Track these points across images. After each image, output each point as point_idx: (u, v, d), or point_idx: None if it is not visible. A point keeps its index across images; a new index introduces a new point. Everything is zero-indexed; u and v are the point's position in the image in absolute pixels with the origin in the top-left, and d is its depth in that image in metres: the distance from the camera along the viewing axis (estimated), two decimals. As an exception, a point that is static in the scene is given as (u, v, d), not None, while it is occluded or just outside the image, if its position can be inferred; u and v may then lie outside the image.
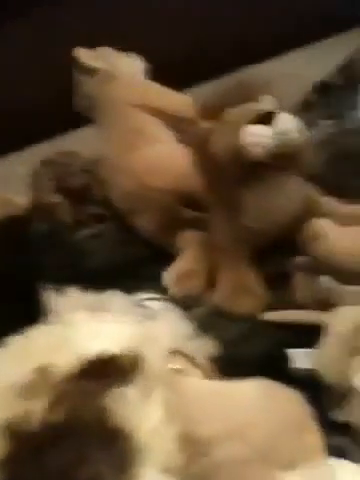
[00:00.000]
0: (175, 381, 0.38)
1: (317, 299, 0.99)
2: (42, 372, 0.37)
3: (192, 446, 0.33)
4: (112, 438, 0.33)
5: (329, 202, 1.13)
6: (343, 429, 0.78)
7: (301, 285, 1.05)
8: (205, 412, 0.37)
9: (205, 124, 0.97)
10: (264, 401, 0.38)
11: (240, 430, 0.36)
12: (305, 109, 1.47)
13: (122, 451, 0.33)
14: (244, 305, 1.05)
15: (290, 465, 0.36)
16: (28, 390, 0.36)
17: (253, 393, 0.39)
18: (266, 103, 0.97)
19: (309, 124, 1.11)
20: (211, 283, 1.11)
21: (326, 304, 0.96)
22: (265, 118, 0.93)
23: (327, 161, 1.36)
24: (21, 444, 0.34)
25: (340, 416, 0.81)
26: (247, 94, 0.98)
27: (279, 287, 1.10)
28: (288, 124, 0.92)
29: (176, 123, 1.20)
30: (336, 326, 0.87)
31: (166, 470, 0.32)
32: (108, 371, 0.35)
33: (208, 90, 1.13)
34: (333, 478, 0.36)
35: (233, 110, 0.97)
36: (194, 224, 1.21)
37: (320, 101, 1.64)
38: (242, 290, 1.06)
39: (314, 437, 0.37)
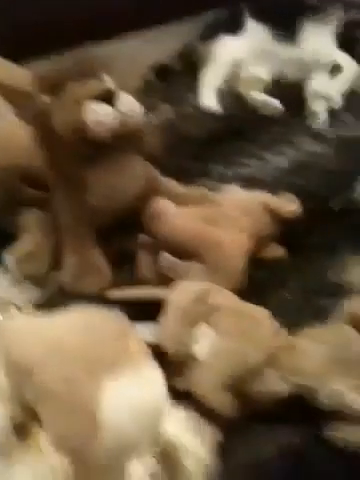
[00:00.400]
0: None
1: (159, 275, 1.03)
2: None
3: (18, 374, 0.34)
4: None
5: (169, 183, 1.17)
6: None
7: (144, 262, 1.07)
8: (24, 339, 0.37)
9: (45, 98, 0.95)
10: (79, 321, 0.39)
11: (59, 349, 0.37)
12: (144, 92, 1.50)
13: None
14: (89, 284, 1.05)
15: (115, 369, 0.38)
16: None
17: (69, 317, 0.40)
18: (107, 82, 0.97)
19: (149, 107, 1.13)
20: (56, 263, 1.10)
21: (167, 280, 0.99)
22: (106, 97, 0.93)
23: (167, 145, 1.41)
24: None
25: (181, 384, 0.85)
26: (87, 71, 0.98)
27: (123, 265, 1.12)
28: (129, 104, 0.93)
29: (15, 97, 1.15)
30: (176, 300, 0.91)
31: None
32: None
33: (48, 65, 1.09)
34: (157, 378, 0.39)
35: (74, 86, 0.95)
36: (36, 203, 1.18)
37: (159, 85, 1.68)
38: (87, 269, 1.06)
39: (135, 343, 0.39)
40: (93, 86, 0.95)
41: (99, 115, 0.91)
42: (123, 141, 0.96)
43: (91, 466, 0.37)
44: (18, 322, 0.41)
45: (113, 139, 0.94)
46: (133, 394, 0.38)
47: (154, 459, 0.51)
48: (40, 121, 0.97)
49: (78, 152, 0.95)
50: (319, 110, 1.49)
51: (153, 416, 0.38)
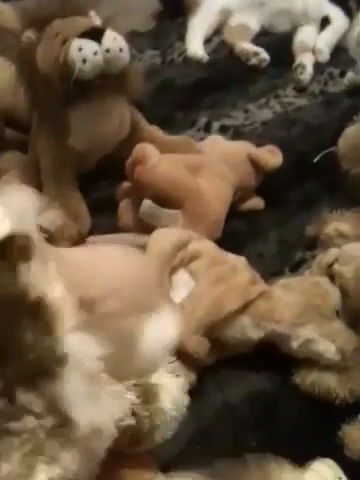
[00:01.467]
0: (55, 252, 0.43)
1: (140, 223, 1.03)
2: None
3: (84, 307, 0.38)
4: (34, 308, 0.37)
5: (153, 130, 1.16)
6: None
7: (126, 210, 1.07)
8: (88, 277, 0.43)
9: (29, 34, 0.91)
10: (125, 261, 0.46)
11: (116, 288, 0.43)
12: (132, 36, 1.46)
13: (44, 318, 0.37)
14: (69, 229, 1.04)
15: (153, 310, 0.46)
16: None
17: (115, 256, 0.46)
18: (94, 19, 0.95)
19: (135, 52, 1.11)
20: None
21: (148, 227, 0.99)
22: (92, 34, 0.90)
23: (152, 92, 1.39)
24: None
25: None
26: (74, 8, 0.94)
27: (105, 212, 1.12)
28: (115, 42, 0.90)
29: (-2, 34, 1.11)
30: (156, 246, 0.92)
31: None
32: (10, 251, 0.37)
33: (33, 1, 1.05)
34: (177, 320, 0.45)
35: (59, 22, 0.92)
36: (17, 145, 1.16)
37: (148, 30, 1.64)
38: (67, 214, 1.05)
39: (162, 291, 0.46)
40: (79, 23, 0.93)
41: (84, 52, 0.88)
42: (108, 82, 0.94)
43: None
44: (72, 253, 0.45)
45: (98, 79, 0.92)
46: (163, 331, 0.44)
47: (135, 396, 0.52)
48: (24, 58, 0.94)
49: (62, 92, 0.93)
50: (306, 63, 1.47)
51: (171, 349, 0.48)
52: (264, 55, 1.49)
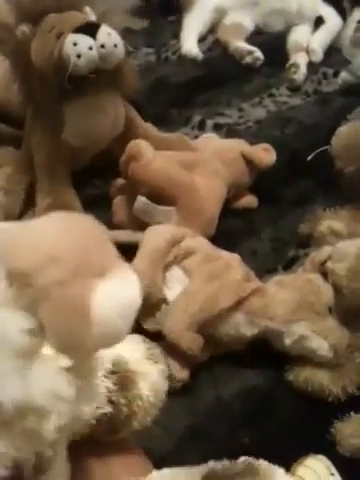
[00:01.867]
0: None
1: (134, 219, 1.02)
2: None
3: (16, 280, 0.36)
4: None
5: (147, 127, 1.15)
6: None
7: (120, 206, 1.07)
8: (19, 247, 0.39)
9: (24, 28, 0.91)
10: (63, 226, 0.42)
11: (53, 255, 0.39)
12: (126, 33, 1.46)
13: None
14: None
15: (103, 273, 0.40)
16: None
17: (52, 222, 0.42)
18: (89, 14, 0.94)
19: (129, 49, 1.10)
20: (30, 202, 1.08)
21: (142, 224, 0.99)
22: (87, 29, 0.90)
23: (146, 89, 1.39)
24: None
25: (151, 325, 0.87)
26: (68, 3, 0.94)
27: (99, 209, 1.11)
28: (110, 38, 0.90)
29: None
30: (149, 243, 0.92)
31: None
32: None
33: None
34: (135, 278, 0.42)
35: (54, 16, 0.92)
36: (10, 141, 1.16)
37: (143, 28, 1.64)
38: (60, 210, 1.05)
39: (112, 248, 0.42)
40: (74, 17, 0.92)
41: (79, 47, 0.88)
42: (103, 77, 0.93)
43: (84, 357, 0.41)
44: (9, 229, 0.41)
45: (92, 74, 0.91)
46: (122, 293, 0.40)
47: (112, 383, 0.52)
48: (18, 53, 0.94)
49: (56, 86, 0.92)
50: (300, 62, 1.48)
51: (134, 312, 0.41)
52: (258, 54, 1.50)
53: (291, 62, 1.49)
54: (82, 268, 0.39)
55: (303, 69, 1.47)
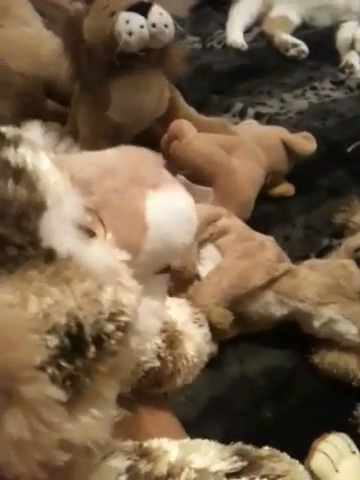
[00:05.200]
0: None
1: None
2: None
3: (78, 187, 0.38)
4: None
5: (189, 109, 1.17)
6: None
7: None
8: (81, 161, 0.42)
9: (78, 5, 0.94)
10: (121, 150, 0.45)
11: (110, 168, 0.42)
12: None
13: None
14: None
15: (156, 187, 0.43)
16: None
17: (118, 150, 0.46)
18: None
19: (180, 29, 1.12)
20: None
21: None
22: (140, 8, 0.92)
23: (189, 75, 1.41)
24: None
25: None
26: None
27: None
28: (161, 18, 0.92)
29: (46, 6, 1.14)
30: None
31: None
32: None
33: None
34: (189, 197, 0.44)
35: (108, -6, 0.95)
36: (56, 117, 1.19)
37: (190, 17, 1.66)
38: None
39: (167, 172, 0.45)
40: (127, -4, 0.95)
41: (131, 25, 0.90)
42: (151, 57, 0.96)
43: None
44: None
45: (142, 52, 0.93)
46: (173, 203, 0.43)
47: (161, 340, 0.55)
48: (70, 29, 0.97)
49: (105, 63, 0.95)
50: (353, 62, 1.48)
51: (189, 226, 0.44)
52: (303, 47, 1.51)
53: (344, 63, 1.49)
54: (136, 180, 0.42)
55: (358, 67, 1.47)
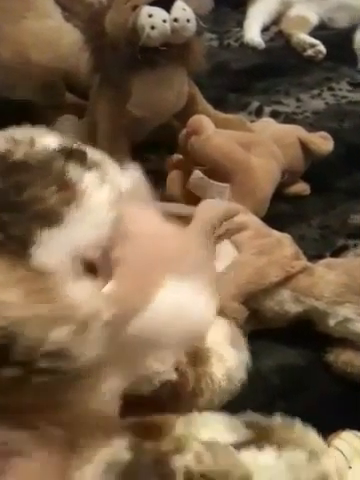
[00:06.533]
0: None
1: (187, 194, 1.05)
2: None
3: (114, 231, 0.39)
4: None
5: (207, 106, 1.18)
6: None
7: (174, 181, 1.09)
8: (136, 216, 0.44)
9: (101, -1, 0.94)
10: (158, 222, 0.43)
11: (158, 236, 0.44)
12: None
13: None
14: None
15: (180, 279, 0.42)
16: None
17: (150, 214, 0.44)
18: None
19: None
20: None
21: (195, 199, 1.01)
22: (163, 3, 0.92)
23: (207, 73, 1.41)
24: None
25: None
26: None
27: (152, 183, 1.14)
28: (184, 13, 0.93)
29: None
30: (202, 215, 0.93)
31: None
32: None
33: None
34: (208, 298, 0.42)
35: (133, -12, 0.95)
36: (73, 110, 1.19)
37: (207, 14, 1.66)
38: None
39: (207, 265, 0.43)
40: (151, -11, 0.95)
41: (154, 19, 0.91)
42: (172, 51, 0.96)
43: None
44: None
45: (163, 47, 0.94)
46: (182, 301, 0.41)
47: (184, 358, 0.53)
48: (93, 22, 0.97)
49: (127, 56, 0.95)
50: None
51: (189, 334, 0.43)
52: (321, 47, 1.50)
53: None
54: (170, 260, 0.40)
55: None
